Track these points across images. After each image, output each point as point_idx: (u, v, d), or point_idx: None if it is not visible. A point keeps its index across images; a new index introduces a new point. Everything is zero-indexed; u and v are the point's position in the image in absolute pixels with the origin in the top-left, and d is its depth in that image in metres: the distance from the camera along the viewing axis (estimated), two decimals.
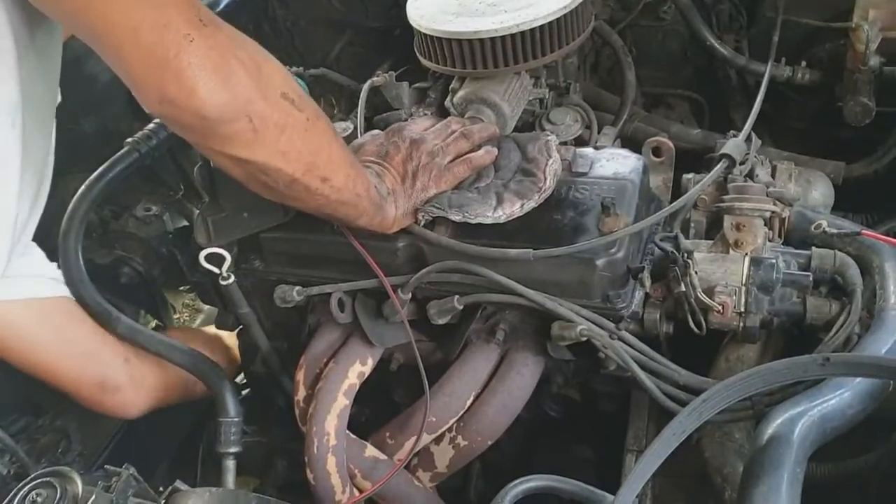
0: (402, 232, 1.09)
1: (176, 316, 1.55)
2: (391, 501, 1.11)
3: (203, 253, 1.12)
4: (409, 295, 1.10)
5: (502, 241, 1.04)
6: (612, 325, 1.01)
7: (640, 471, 0.74)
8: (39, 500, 0.89)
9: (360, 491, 1.13)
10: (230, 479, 1.17)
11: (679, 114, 1.58)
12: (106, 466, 0.92)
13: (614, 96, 1.48)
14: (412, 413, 1.12)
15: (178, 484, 1.05)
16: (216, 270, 1.14)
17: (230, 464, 1.17)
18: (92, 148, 1.41)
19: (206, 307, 1.60)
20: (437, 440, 1.12)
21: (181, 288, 1.52)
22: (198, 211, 1.43)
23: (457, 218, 1.04)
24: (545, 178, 1.06)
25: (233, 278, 1.15)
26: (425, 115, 1.30)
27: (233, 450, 1.17)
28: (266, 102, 0.87)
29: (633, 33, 1.56)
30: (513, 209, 1.04)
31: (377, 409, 1.26)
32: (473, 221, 1.04)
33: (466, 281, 1.07)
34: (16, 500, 0.90)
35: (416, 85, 1.37)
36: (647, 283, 1.02)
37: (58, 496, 0.89)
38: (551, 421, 1.23)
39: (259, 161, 0.90)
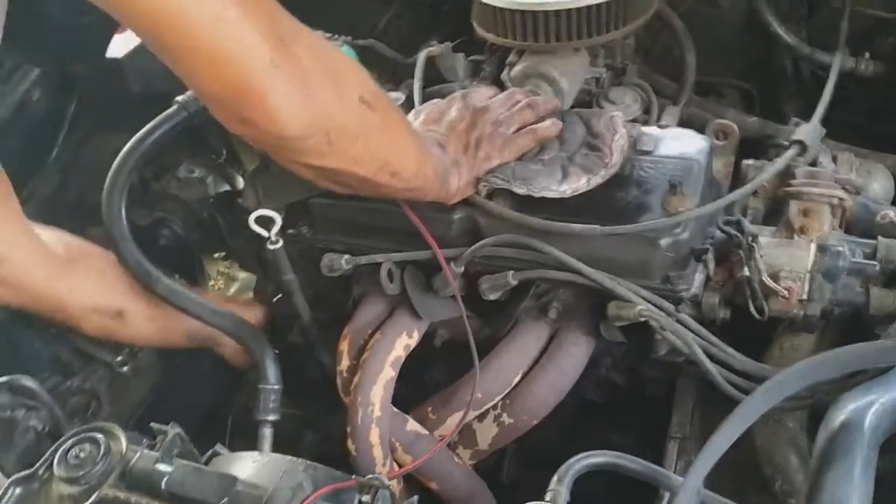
0: (459, 203, 1.07)
1: (210, 283, 1.52)
2: (431, 477, 1.09)
3: (254, 215, 1.10)
4: (462, 268, 1.07)
5: (564, 217, 1.02)
6: (671, 307, 0.98)
7: (710, 452, 0.72)
8: (83, 455, 0.87)
9: (400, 465, 1.10)
10: (266, 447, 1.14)
11: (729, 103, 1.54)
12: (152, 424, 0.90)
13: (668, 81, 1.45)
14: (457, 389, 1.10)
15: (219, 448, 1.03)
16: (265, 234, 1.11)
17: (267, 431, 1.15)
18: (136, 106, 1.38)
19: (242, 275, 1.57)
20: (481, 417, 1.10)
21: (216, 255, 1.50)
22: (241, 175, 1.42)
23: (521, 191, 1.01)
24: (612, 154, 1.04)
25: (281, 242, 1.13)
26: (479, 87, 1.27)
27: (271, 417, 1.15)
28: (344, 113, 0.84)
29: (686, 19, 1.53)
30: (578, 184, 1.02)
31: (411, 385, 1.23)
32: (538, 195, 1.01)
33: (522, 256, 1.04)
34: (58, 455, 0.88)
35: (471, 58, 1.34)
36: (711, 265, 0.99)
37: (101, 452, 0.87)
38: (590, 405, 1.20)
39: (332, 167, 0.89)
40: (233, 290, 1.56)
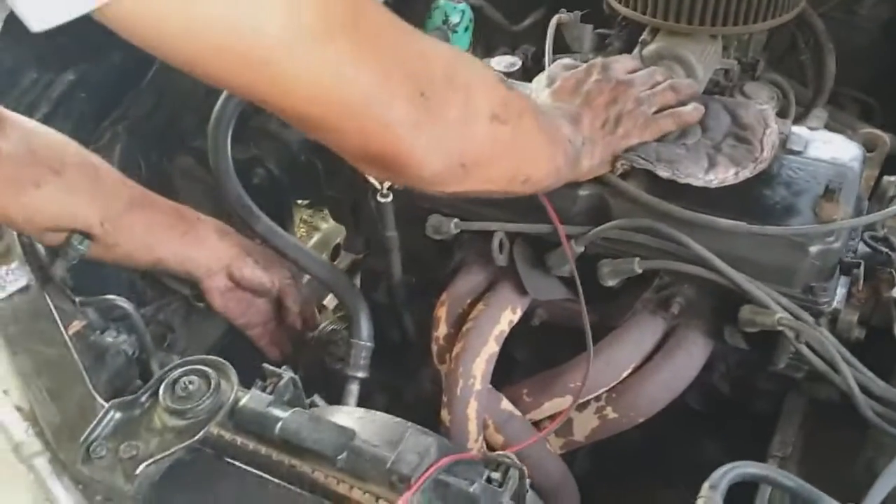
0: (588, 180, 1.01)
1: (294, 229, 1.48)
2: (522, 461, 1.04)
3: None
4: (583, 248, 1.02)
5: (703, 208, 0.96)
6: (811, 319, 0.93)
7: (886, 481, 0.67)
8: (192, 388, 0.82)
9: (489, 443, 1.06)
10: (353, 403, 1.10)
11: (849, 114, 1.49)
12: (264, 365, 0.86)
13: (793, 82, 1.38)
14: (560, 374, 1.05)
15: (317, 398, 0.99)
16: (377, 185, 1.06)
17: (354, 388, 1.11)
18: None
19: (324, 226, 1.53)
20: (580, 407, 1.05)
21: (300, 202, 1.45)
22: None
23: (665, 174, 0.96)
24: (762, 148, 0.98)
25: (391, 196, 1.08)
26: None
27: (361, 374, 1.11)
28: (477, 141, 0.79)
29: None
30: (726, 175, 0.96)
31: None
32: (682, 181, 0.95)
33: (651, 244, 0.99)
34: (164, 384, 0.84)
35: (597, 30, 1.28)
36: (860, 280, 0.93)
37: (211, 388, 0.83)
38: (682, 410, 1.15)
39: (467, 190, 0.84)
40: (314, 240, 1.52)
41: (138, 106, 1.36)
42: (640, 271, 0.99)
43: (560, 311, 1.11)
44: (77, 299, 1.01)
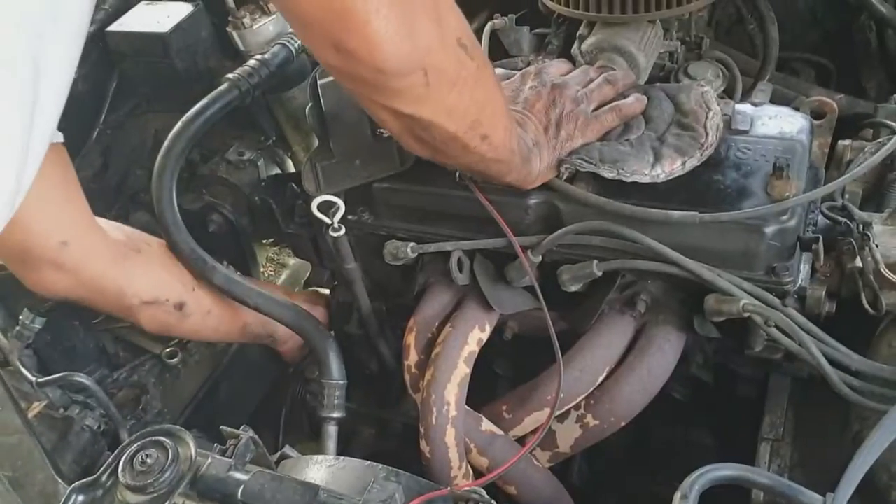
0: (536, 187, 0.99)
1: (260, 270, 1.46)
2: (509, 482, 1.02)
3: (316, 200, 1.03)
4: (540, 258, 1.00)
5: (653, 202, 0.94)
6: (777, 301, 0.91)
7: (860, 464, 0.64)
8: (150, 460, 0.80)
9: (475, 467, 1.04)
10: (332, 446, 1.08)
11: (804, 79, 1.46)
12: (222, 428, 0.84)
13: (741, 55, 1.36)
14: (535, 386, 1.03)
15: (287, 450, 0.96)
16: (327, 220, 1.04)
17: (332, 429, 1.09)
18: (180, 84, 1.32)
19: (292, 262, 1.51)
20: (561, 418, 1.02)
21: (265, 241, 1.44)
22: (290, 157, 1.34)
23: (610, 174, 0.93)
24: (707, 134, 0.95)
25: (344, 229, 1.06)
26: (544, 62, 1.19)
27: (336, 414, 1.09)
28: (444, 52, 0.76)
29: None
30: (673, 167, 0.94)
31: (473, 379, 1.16)
32: (629, 179, 0.93)
33: (606, 245, 0.97)
34: (122, 460, 0.82)
35: (535, 31, 1.26)
36: (821, 255, 0.91)
37: (169, 458, 0.80)
38: (669, 403, 1.13)
39: (424, 117, 0.80)
40: (283, 277, 1.50)
41: (86, 168, 1.35)
42: (599, 273, 0.97)
43: (531, 322, 1.09)
44: (35, 379, 0.99)
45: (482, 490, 0.75)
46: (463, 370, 1.01)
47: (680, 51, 1.23)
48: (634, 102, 1.00)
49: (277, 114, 1.35)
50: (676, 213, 0.91)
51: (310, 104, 1.06)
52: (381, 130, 1.03)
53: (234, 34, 1.25)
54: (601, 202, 0.93)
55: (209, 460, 0.80)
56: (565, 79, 1.01)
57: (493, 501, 0.73)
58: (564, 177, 0.97)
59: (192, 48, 1.28)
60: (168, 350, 1.28)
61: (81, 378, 1.00)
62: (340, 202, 1.03)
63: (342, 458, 0.90)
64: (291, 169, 1.39)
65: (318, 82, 1.04)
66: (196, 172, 1.30)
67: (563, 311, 1.06)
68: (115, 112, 1.37)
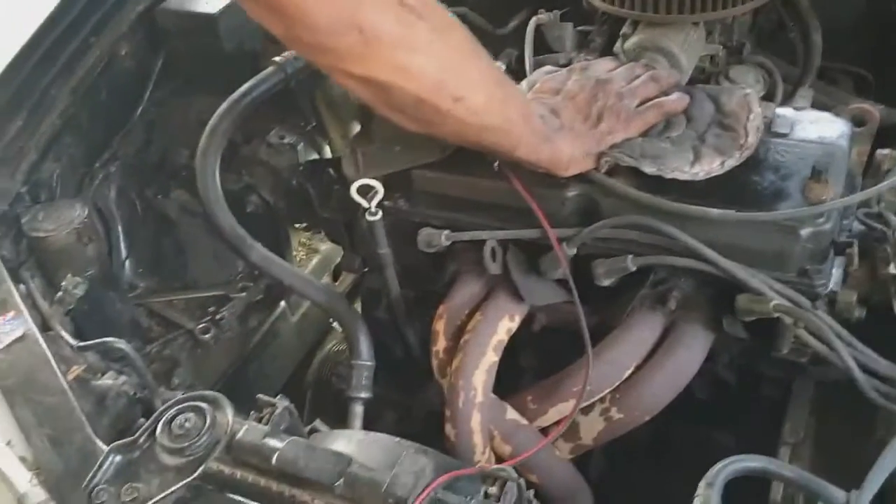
0: (575, 179, 1.00)
1: (293, 254, 1.48)
2: (531, 470, 1.03)
3: (356, 184, 1.04)
4: (575, 250, 1.01)
5: (691, 200, 0.94)
6: (808, 303, 0.91)
7: (885, 465, 0.65)
8: (188, 424, 0.83)
9: (497, 454, 1.05)
10: (357, 425, 1.10)
11: (843, 89, 1.46)
12: (259, 396, 0.86)
13: (781, 61, 1.36)
14: (562, 378, 1.04)
15: (318, 424, 0.99)
16: (365, 204, 1.06)
17: (359, 409, 1.11)
18: (225, 65, 1.34)
19: (323, 248, 1.53)
20: (585, 410, 1.03)
21: (297, 225, 1.46)
22: (328, 144, 1.36)
23: (650, 170, 0.94)
24: (746, 135, 0.96)
25: (380, 214, 1.08)
26: (588, 59, 1.20)
27: (363, 395, 1.11)
28: (379, 11, 0.76)
29: None
30: (712, 166, 0.94)
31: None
32: (668, 176, 0.94)
33: (643, 240, 0.97)
34: (161, 423, 0.84)
35: (579, 28, 1.27)
36: (855, 259, 0.91)
37: (207, 423, 0.83)
38: (690, 401, 1.13)
39: (378, 78, 0.80)
40: (314, 262, 1.52)
41: (129, 144, 1.38)
42: (633, 268, 0.98)
43: (560, 315, 1.10)
44: (75, 344, 1.02)
45: (511, 469, 0.76)
46: (491, 357, 1.03)
47: (721, 54, 1.23)
48: (677, 100, 1.01)
49: (317, 100, 1.37)
50: (715, 211, 0.92)
51: None
52: None
53: None
54: (642, 196, 0.94)
55: (245, 427, 0.82)
56: (611, 74, 1.03)
57: (521, 480, 0.74)
58: (604, 170, 0.98)
59: (240, 30, 1.31)
60: (202, 326, 1.31)
61: (121, 344, 1.02)
62: (380, 186, 1.04)
63: (371, 433, 0.92)
64: (329, 155, 1.41)
65: None
66: (237, 153, 1.32)
67: (594, 305, 1.07)
68: (160, 90, 1.40)
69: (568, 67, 1.05)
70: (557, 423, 1.05)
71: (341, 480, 0.76)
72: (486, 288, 1.12)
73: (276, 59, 1.16)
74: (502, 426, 1.04)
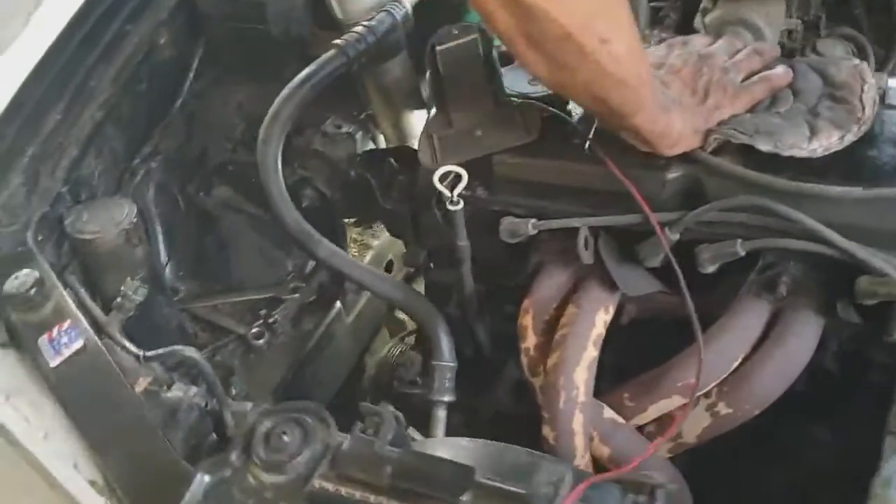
0: (677, 160, 0.93)
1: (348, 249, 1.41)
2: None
3: (439, 171, 0.97)
4: (678, 235, 0.94)
5: (808, 178, 0.88)
6: None
7: None
8: (287, 438, 0.75)
9: (594, 456, 0.98)
10: (440, 431, 1.03)
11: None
12: (363, 404, 0.78)
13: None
14: (663, 373, 0.97)
15: (411, 431, 0.91)
16: (447, 193, 0.99)
17: (442, 413, 1.04)
18: (271, 52, 1.26)
19: (376, 244, 1.46)
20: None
21: (346, 220, 1.38)
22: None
23: (766, 147, 0.88)
24: (863, 107, 0.90)
25: (462, 203, 1.00)
26: (663, 36, 1.14)
27: (447, 398, 1.04)
28: None
29: None
30: (830, 141, 0.88)
31: None
32: (786, 153, 0.87)
33: (752, 223, 0.91)
34: (255, 438, 0.77)
35: (652, 3, 1.20)
36: None
37: (308, 437, 0.75)
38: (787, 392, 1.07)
39: (536, 2, 0.73)
40: (367, 258, 1.44)
41: (169, 138, 1.29)
42: (743, 253, 0.91)
43: (653, 305, 1.03)
44: (141, 353, 0.94)
45: (652, 475, 0.69)
46: (592, 352, 0.96)
47: (800, 29, 1.17)
48: (783, 74, 0.95)
49: (369, 87, 1.30)
50: (836, 189, 0.85)
51: (428, 71, 1.00)
52: (506, 97, 0.98)
53: (333, 1, 1.20)
54: (757, 177, 0.88)
55: (350, 439, 0.75)
56: (711, 49, 0.97)
57: (669, 485, 0.68)
58: (711, 147, 0.91)
59: (288, 14, 1.23)
60: (255, 330, 1.23)
61: (191, 353, 0.95)
62: (464, 173, 0.97)
63: (473, 440, 0.85)
64: (382, 145, 1.33)
65: (437, 48, 0.99)
66: (290, 144, 1.24)
67: (692, 294, 1.00)
68: (199, 80, 1.31)
69: (665, 43, 0.99)
70: (656, 420, 0.99)
71: (468, 494, 0.69)
72: (572, 279, 1.04)
73: (338, 41, 1.09)
74: (601, 426, 0.97)
